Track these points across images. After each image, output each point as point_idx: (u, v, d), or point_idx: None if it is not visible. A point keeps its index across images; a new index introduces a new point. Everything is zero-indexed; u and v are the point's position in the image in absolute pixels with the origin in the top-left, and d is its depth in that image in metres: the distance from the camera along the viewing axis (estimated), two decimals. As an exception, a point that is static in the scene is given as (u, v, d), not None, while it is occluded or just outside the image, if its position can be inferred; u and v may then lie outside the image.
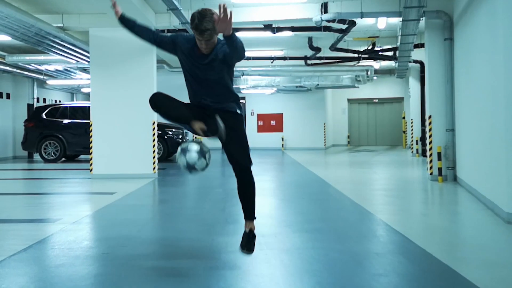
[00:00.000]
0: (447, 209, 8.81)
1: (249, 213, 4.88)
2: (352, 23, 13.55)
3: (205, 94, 4.88)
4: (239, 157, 4.80)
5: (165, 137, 18.87)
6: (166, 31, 14.46)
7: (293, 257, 5.48)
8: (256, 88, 24.55)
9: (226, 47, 4.51)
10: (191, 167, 4.61)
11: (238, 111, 4.88)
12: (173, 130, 19.30)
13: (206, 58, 4.67)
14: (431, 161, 12.20)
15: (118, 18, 4.85)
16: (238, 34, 15.72)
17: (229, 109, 4.85)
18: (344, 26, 13.90)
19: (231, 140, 4.75)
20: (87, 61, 16.23)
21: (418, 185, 11.69)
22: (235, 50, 4.40)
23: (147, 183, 12.31)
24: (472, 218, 7.77)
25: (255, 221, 4.91)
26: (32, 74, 20.73)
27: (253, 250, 4.85)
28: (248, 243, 4.83)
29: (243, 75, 22.30)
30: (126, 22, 4.90)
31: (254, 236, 4.87)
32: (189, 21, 4.52)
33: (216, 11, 4.29)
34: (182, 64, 4.91)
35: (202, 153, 4.64)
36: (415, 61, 18.75)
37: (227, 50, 4.53)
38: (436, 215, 8.34)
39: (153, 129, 13.61)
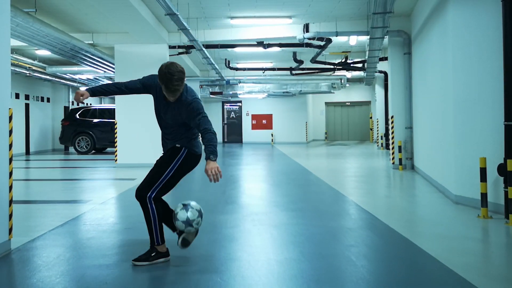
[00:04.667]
0: (406, 192, 8.82)
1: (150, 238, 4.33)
2: (329, 41, 13.55)
3: (165, 133, 4.49)
4: (141, 183, 4.45)
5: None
6: (177, 47, 14.44)
7: (281, 231, 5.48)
8: (251, 93, 24.62)
9: (191, 106, 4.12)
10: (189, 223, 4.23)
11: (178, 145, 4.37)
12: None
13: (169, 106, 4.23)
14: (393, 153, 12.22)
15: (90, 96, 4.19)
16: (236, 49, 15.57)
17: (173, 144, 4.40)
18: (322, 43, 13.90)
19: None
20: (112, 71, 16.16)
21: (382, 172, 11.70)
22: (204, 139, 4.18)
23: (162, 171, 12.25)
24: (427, 199, 7.78)
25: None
26: (68, 82, 20.63)
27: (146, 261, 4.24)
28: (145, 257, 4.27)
29: (239, 82, 22.28)
30: (97, 94, 4.24)
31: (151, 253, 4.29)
32: (158, 74, 4.05)
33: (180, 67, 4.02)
34: (154, 102, 4.42)
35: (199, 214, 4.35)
36: (380, 71, 18.76)
37: (190, 112, 4.13)
38: (397, 197, 8.35)
39: (167, 127, 13.55)
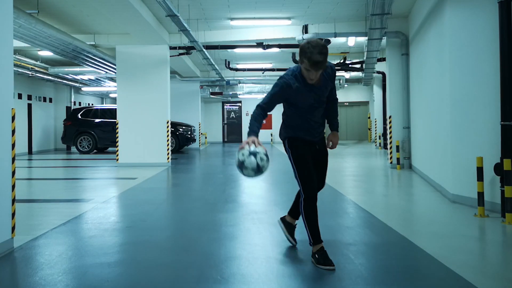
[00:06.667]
0: (403, 191, 8.82)
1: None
2: (328, 41, 13.55)
3: (315, 122, 4.24)
4: (322, 182, 4.44)
5: (177, 133, 18.83)
6: (178, 48, 14.44)
7: (280, 230, 5.47)
8: (250, 94, 24.60)
9: (334, 72, 4.16)
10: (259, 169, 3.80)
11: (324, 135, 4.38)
12: (183, 127, 19.26)
13: (312, 87, 4.04)
14: (391, 153, 12.22)
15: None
16: (235, 50, 15.52)
17: (322, 135, 4.37)
18: (321, 44, 13.89)
19: (321, 170, 4.36)
20: (114, 72, 16.17)
21: (380, 171, 11.70)
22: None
23: (162, 170, 12.28)
24: (424, 198, 7.78)
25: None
26: (70, 82, 20.64)
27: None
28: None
29: (239, 83, 22.29)
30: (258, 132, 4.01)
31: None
32: (300, 52, 3.85)
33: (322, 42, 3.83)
34: (292, 103, 4.15)
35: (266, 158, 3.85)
36: (378, 72, 18.76)
37: (333, 79, 4.17)
38: (395, 196, 8.34)
39: (167, 126, 13.58)
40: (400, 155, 11.89)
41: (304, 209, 4.11)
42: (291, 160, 4.20)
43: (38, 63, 16.99)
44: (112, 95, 27.17)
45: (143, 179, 10.30)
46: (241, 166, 3.76)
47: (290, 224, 4.71)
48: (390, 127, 12.25)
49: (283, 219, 4.77)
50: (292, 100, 4.11)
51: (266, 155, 3.82)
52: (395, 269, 4.01)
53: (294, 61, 17.75)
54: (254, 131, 3.97)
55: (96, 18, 11.85)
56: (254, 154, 3.74)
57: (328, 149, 4.47)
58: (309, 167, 4.13)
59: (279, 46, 14.42)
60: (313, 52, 3.76)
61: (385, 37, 11.74)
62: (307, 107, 4.13)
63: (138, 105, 13.62)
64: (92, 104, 25.70)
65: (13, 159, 4.75)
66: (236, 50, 15.64)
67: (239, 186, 9.56)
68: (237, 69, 20.13)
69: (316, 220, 4.14)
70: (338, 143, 4.69)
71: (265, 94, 4.15)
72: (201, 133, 23.94)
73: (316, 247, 4.10)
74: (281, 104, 4.37)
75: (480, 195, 6.05)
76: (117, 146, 13.63)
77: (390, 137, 12.21)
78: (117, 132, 13.65)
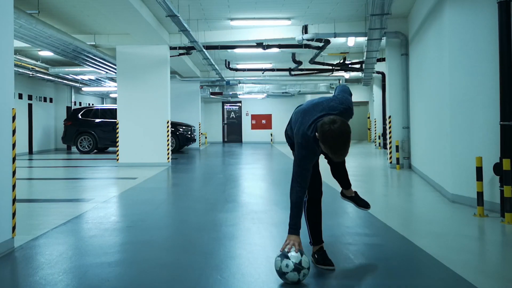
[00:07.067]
0: (403, 191, 8.82)
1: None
2: (327, 42, 13.57)
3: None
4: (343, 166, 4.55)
5: (177, 133, 18.83)
6: (178, 48, 14.44)
7: (280, 230, 5.47)
8: (250, 94, 24.62)
9: None
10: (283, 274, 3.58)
11: None
12: (183, 127, 19.27)
13: None
14: (390, 152, 12.21)
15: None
16: (235, 50, 15.49)
17: None
18: (321, 44, 13.91)
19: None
20: (114, 72, 16.16)
21: (380, 171, 11.70)
22: None
23: (162, 170, 12.27)
24: (423, 198, 7.78)
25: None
26: (70, 83, 20.65)
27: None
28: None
29: (239, 83, 22.28)
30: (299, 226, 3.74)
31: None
32: (320, 135, 3.42)
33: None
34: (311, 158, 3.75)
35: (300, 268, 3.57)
36: (378, 72, 18.76)
37: None
38: (394, 196, 8.34)
39: (167, 126, 13.58)
40: (399, 155, 11.89)
41: (307, 209, 4.11)
42: None
43: (38, 63, 16.99)
44: (112, 95, 27.17)
45: (143, 179, 10.30)
46: (281, 276, 3.59)
47: (352, 196, 4.65)
48: (389, 127, 12.24)
49: (344, 195, 4.72)
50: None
51: (309, 268, 3.62)
52: (395, 268, 4.00)
53: (294, 61, 17.78)
54: (297, 228, 3.67)
55: (96, 18, 11.84)
56: (298, 270, 3.52)
57: None
58: (310, 170, 4.09)
59: (279, 46, 14.42)
60: (336, 144, 3.37)
61: (384, 37, 11.73)
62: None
63: (139, 105, 13.62)
64: (93, 104, 25.71)
65: (14, 159, 4.75)
66: (236, 50, 15.63)
67: (239, 186, 9.55)
68: (237, 69, 20.13)
69: (318, 221, 4.13)
70: None
71: (294, 168, 3.71)
72: (201, 133, 23.94)
73: (316, 247, 4.10)
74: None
75: (480, 195, 6.05)
76: (117, 146, 13.63)
77: (390, 137, 12.21)
78: (117, 132, 13.65)
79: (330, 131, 3.36)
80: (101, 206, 7.06)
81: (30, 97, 19.58)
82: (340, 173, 4.54)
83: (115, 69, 15.40)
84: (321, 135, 3.41)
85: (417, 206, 7.22)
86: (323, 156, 4.05)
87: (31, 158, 17.16)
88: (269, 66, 20.69)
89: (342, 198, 4.73)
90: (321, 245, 4.10)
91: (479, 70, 6.56)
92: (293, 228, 3.67)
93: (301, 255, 3.58)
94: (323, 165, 4.27)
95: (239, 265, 4.12)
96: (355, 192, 4.66)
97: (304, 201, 4.08)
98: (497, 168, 5.92)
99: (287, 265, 3.54)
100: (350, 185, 4.63)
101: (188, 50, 14.64)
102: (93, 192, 8.61)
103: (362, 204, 4.59)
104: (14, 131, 4.76)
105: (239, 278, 3.76)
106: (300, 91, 23.47)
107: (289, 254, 3.58)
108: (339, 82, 22.41)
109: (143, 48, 13.60)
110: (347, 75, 22.19)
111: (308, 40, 12.55)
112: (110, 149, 20.27)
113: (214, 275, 3.81)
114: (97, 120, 19.06)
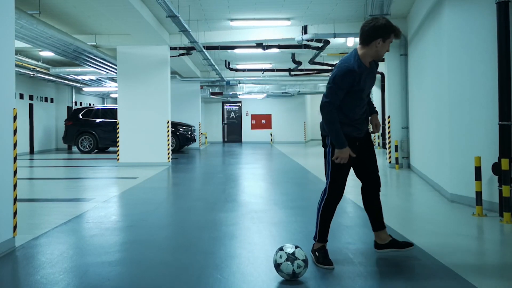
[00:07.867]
0: (402, 191, 8.83)
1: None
2: (327, 42, 13.57)
3: (362, 112, 4.09)
4: (377, 171, 4.39)
5: (177, 133, 18.83)
6: (178, 48, 14.45)
7: (280, 229, 5.48)
8: (250, 94, 24.62)
9: (373, 62, 4.11)
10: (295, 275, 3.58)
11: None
12: (184, 127, 19.27)
13: (370, 70, 4.09)
14: (390, 152, 12.22)
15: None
16: (235, 51, 15.47)
17: (367, 127, 4.22)
18: (320, 44, 13.91)
19: (370, 156, 4.28)
20: (115, 72, 16.17)
21: (379, 171, 11.68)
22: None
23: (163, 169, 12.28)
24: (422, 197, 7.78)
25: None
26: (71, 83, 20.64)
27: None
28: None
29: (239, 83, 22.29)
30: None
31: None
32: (380, 30, 3.93)
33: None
34: (355, 90, 3.92)
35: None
36: (377, 72, 18.71)
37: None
38: (394, 195, 8.34)
39: (168, 126, 13.58)
40: (398, 155, 11.89)
41: (323, 206, 4.11)
42: (329, 156, 4.07)
43: (39, 63, 16.98)
44: (113, 95, 27.17)
45: (143, 179, 10.30)
46: (277, 268, 3.61)
47: (391, 242, 4.25)
48: (389, 127, 12.25)
49: (379, 246, 4.26)
50: (356, 85, 3.87)
51: (305, 261, 3.60)
52: (394, 268, 4.01)
53: (294, 61, 17.77)
54: (342, 141, 3.82)
55: (97, 19, 11.84)
56: (291, 260, 3.54)
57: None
58: (345, 171, 4.11)
59: (279, 46, 14.42)
60: (392, 24, 4.00)
61: (384, 38, 11.72)
62: (364, 95, 4.03)
63: (139, 105, 13.62)
64: (93, 104, 25.71)
65: (15, 159, 4.75)
66: (236, 51, 15.63)
67: (239, 186, 9.56)
68: (237, 70, 20.13)
69: (330, 220, 4.15)
70: None
71: (326, 89, 3.92)
72: (201, 133, 23.94)
73: (319, 245, 4.10)
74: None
75: (478, 194, 6.05)
76: (118, 146, 13.63)
77: (389, 137, 12.22)
78: (118, 132, 13.65)
79: (383, 18, 4.00)
80: (101, 206, 7.06)
81: (31, 97, 19.57)
82: (373, 203, 4.37)
83: (115, 69, 15.40)
84: (382, 28, 3.95)
85: (416, 206, 7.22)
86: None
87: (32, 158, 17.16)
88: (269, 66, 20.69)
89: (379, 251, 4.26)
90: (324, 244, 4.11)
91: (478, 70, 6.56)
92: (341, 141, 3.85)
93: (296, 247, 3.64)
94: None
95: (239, 264, 4.13)
96: (390, 236, 4.28)
97: (322, 197, 4.15)
98: (496, 168, 5.93)
99: (280, 256, 3.60)
100: (384, 224, 4.27)
101: (188, 50, 14.64)
102: (93, 192, 8.61)
103: (404, 245, 4.23)
104: (15, 131, 4.76)
105: (239, 277, 3.77)
106: (299, 91, 23.47)
107: (283, 246, 3.66)
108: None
109: (144, 49, 13.60)
110: (346, 75, 22.16)
111: (307, 40, 12.55)
112: (111, 149, 20.27)
113: (214, 274, 3.82)
114: (98, 120, 19.06)
